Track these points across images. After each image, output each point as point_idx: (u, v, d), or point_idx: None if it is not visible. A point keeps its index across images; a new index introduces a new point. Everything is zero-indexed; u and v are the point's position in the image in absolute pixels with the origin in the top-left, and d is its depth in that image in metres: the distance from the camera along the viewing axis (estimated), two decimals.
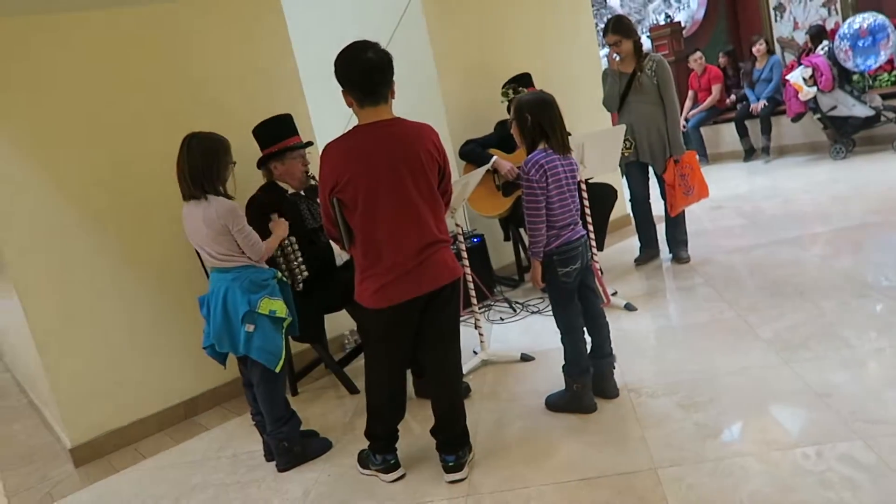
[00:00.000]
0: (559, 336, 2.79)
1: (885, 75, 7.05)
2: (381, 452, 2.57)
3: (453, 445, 2.49)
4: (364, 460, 2.65)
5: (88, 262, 3.28)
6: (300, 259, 3.19)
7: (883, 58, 6.57)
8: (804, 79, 6.68)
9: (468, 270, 3.50)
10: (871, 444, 2.16)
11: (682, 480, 2.18)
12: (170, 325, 3.48)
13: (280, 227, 2.96)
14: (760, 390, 2.65)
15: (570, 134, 2.84)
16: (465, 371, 3.27)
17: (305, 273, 3.20)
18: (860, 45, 6.69)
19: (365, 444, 2.63)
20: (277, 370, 2.71)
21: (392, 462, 2.56)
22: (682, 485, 2.16)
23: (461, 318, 2.57)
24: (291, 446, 2.79)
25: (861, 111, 6.51)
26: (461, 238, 3.52)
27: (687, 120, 8.42)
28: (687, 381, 2.83)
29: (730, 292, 3.76)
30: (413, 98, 4.41)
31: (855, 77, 6.89)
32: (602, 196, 4.39)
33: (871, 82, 7.04)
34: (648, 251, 4.68)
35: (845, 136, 6.76)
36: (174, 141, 2.65)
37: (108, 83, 3.33)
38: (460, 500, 2.34)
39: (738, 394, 2.66)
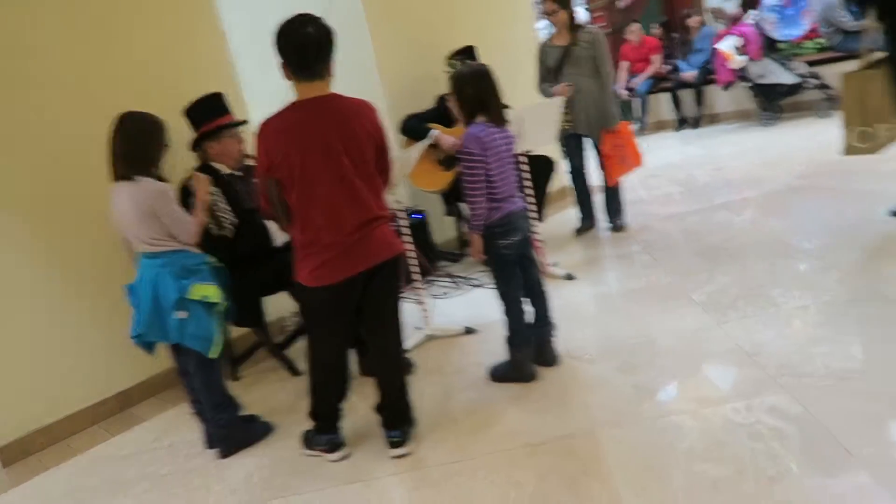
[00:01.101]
0: (501, 308, 2.80)
1: (809, 43, 7.30)
2: (325, 432, 2.56)
3: (398, 421, 2.50)
4: (308, 441, 2.62)
5: (5, 252, 3.11)
6: (223, 206, 3.13)
7: (806, 27, 6.79)
8: (735, 48, 6.86)
9: (409, 246, 3.48)
10: (796, 396, 2.26)
11: (621, 441, 2.24)
12: (98, 316, 3.34)
13: (203, 185, 2.78)
14: (694, 351, 2.73)
15: (508, 107, 2.84)
16: (409, 347, 3.27)
17: (233, 219, 3.14)
18: (785, 14, 6.90)
19: (309, 425, 2.60)
20: (213, 356, 2.64)
21: (337, 441, 2.55)
22: (621, 445, 2.22)
23: (404, 295, 2.56)
24: (232, 432, 2.74)
25: (787, 79, 6.72)
26: (402, 214, 3.49)
27: (630, 89, 8.51)
28: (626, 346, 2.90)
29: (666, 258, 3.85)
30: (348, 72, 4.31)
31: (781, 46, 7.11)
32: (541, 168, 4.41)
33: (795, 51, 7.28)
34: (587, 221, 4.75)
35: (773, 104, 6.98)
36: (97, 124, 2.52)
37: (28, 61, 3.13)
38: (406, 475, 2.34)
39: (673, 356, 2.74)
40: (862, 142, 3.61)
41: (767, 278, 3.26)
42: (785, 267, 3.36)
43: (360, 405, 2.91)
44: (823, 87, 6.63)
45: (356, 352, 3.14)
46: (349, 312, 2.43)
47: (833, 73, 6.74)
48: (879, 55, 3.54)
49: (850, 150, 3.65)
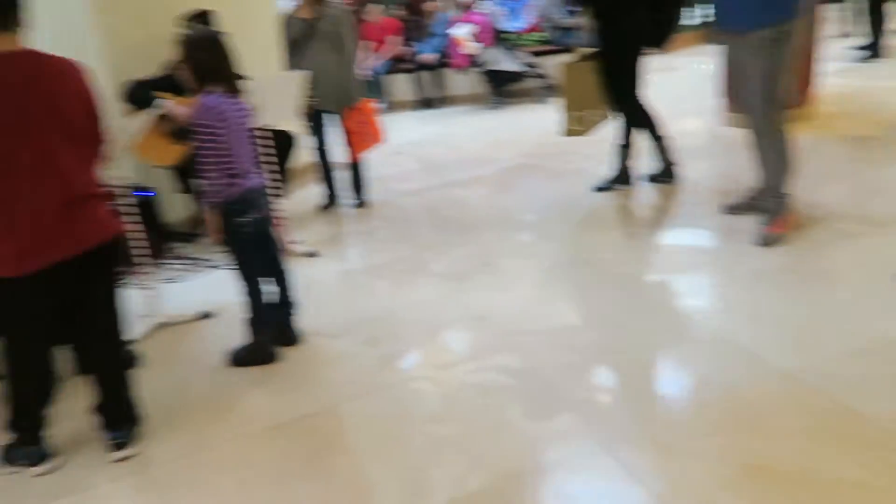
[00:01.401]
0: (240, 289, 2.66)
1: (532, 36, 8.07)
2: (27, 444, 2.22)
3: (119, 421, 2.27)
4: (8, 456, 2.25)
5: None
6: None
7: (529, 20, 7.50)
8: (471, 35, 7.33)
9: (134, 227, 3.14)
10: (519, 353, 2.49)
11: (364, 413, 2.28)
12: None
13: None
14: (433, 319, 2.87)
15: (244, 77, 2.68)
16: (136, 337, 2.96)
17: None
18: (511, 7, 7.56)
19: (7, 438, 2.23)
20: None
21: (41, 453, 2.22)
22: (364, 416, 2.26)
23: (125, 280, 2.30)
24: None
25: (512, 66, 7.37)
26: (124, 191, 3.12)
27: (371, 69, 8.62)
28: (369, 320, 2.94)
29: (406, 233, 4.00)
30: (53, 26, 3.73)
31: (508, 36, 7.76)
32: (280, 143, 4.27)
33: (520, 41, 8.00)
34: (330, 197, 4.73)
35: (500, 89, 7.60)
36: None
37: None
38: (129, 480, 2.12)
39: (414, 325, 2.85)
40: (578, 125, 4.11)
41: (496, 248, 3.54)
42: (511, 238, 3.68)
43: (75, 408, 2.56)
44: (541, 76, 7.39)
45: (74, 349, 2.76)
46: (55, 305, 2.14)
47: (551, 64, 7.56)
48: (591, 50, 4.02)
49: (568, 132, 4.12)
